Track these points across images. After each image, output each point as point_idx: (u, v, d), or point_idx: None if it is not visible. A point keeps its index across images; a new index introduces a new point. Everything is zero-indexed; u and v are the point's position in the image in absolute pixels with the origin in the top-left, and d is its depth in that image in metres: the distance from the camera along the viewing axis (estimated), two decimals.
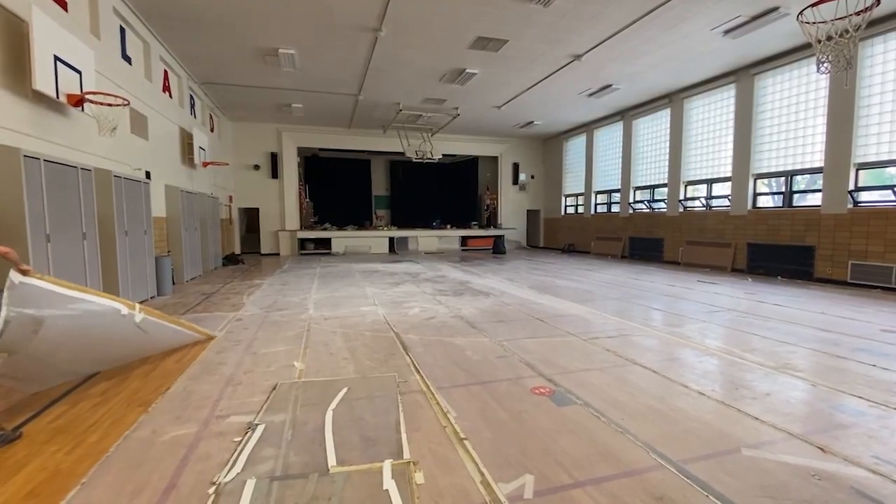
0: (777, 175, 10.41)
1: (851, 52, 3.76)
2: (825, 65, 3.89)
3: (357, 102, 13.65)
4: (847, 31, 3.49)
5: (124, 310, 3.65)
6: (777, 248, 10.14)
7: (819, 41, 3.82)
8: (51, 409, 3.28)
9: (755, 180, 10.84)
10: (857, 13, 3.40)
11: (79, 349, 3.61)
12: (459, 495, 2.19)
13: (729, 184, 11.42)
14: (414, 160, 16.48)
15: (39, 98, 5.16)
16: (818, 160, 9.33)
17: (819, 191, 9.36)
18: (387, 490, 2.22)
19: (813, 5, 3.63)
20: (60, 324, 3.22)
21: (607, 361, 4.27)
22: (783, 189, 10.30)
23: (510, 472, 2.38)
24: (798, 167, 9.83)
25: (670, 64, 10.52)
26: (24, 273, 3.00)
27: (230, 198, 16.08)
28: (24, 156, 4.51)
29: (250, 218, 17.94)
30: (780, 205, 10.37)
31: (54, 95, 5.10)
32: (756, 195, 10.87)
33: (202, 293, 8.39)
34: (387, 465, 2.44)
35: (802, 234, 9.61)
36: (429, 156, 16.23)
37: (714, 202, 12.07)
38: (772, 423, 2.98)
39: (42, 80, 4.87)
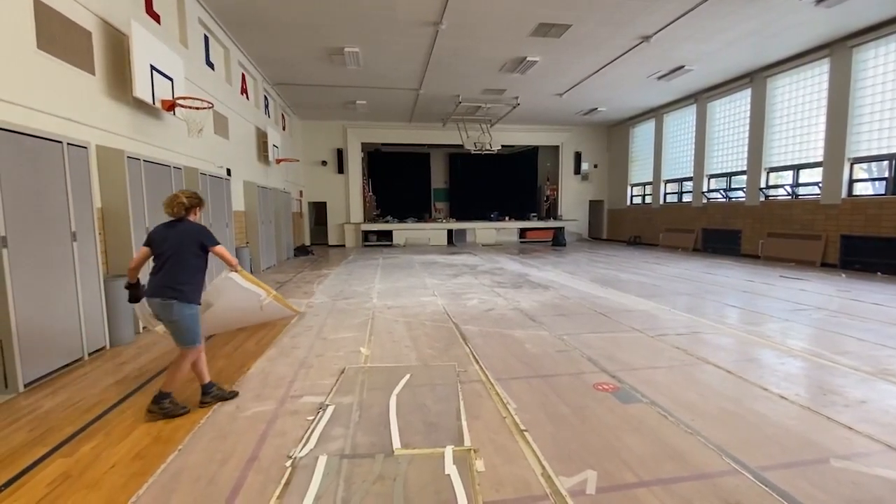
0: (879, 159, 9.28)
1: None
2: None
3: (418, 97, 13.84)
4: None
5: (262, 294, 4.17)
6: (877, 241, 9.07)
7: None
8: (150, 383, 3.69)
9: (852, 165, 9.74)
10: None
11: (225, 318, 4.31)
12: (520, 485, 2.22)
13: (819, 170, 10.35)
14: (473, 152, 16.47)
15: (138, 104, 5.74)
16: None
17: None
18: (448, 475, 2.30)
19: None
20: (224, 303, 3.83)
21: (676, 359, 4.08)
22: (886, 175, 9.18)
23: (572, 467, 2.37)
24: None
25: (752, 40, 9.67)
26: (234, 270, 3.55)
27: (300, 192, 16.97)
28: (128, 157, 5.05)
29: (318, 211, 18.84)
30: (882, 192, 9.25)
31: (151, 101, 5.65)
32: (852, 182, 9.77)
33: (277, 282, 8.97)
34: (448, 451, 2.51)
35: None
36: (487, 147, 16.14)
37: (801, 190, 11.00)
38: (867, 433, 2.72)
39: (141, 87, 5.41)
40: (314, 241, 18.37)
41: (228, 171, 9.10)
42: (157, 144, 6.28)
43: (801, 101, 10.83)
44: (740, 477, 2.27)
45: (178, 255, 3.01)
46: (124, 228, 5.06)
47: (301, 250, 14.65)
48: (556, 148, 19.71)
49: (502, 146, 17.19)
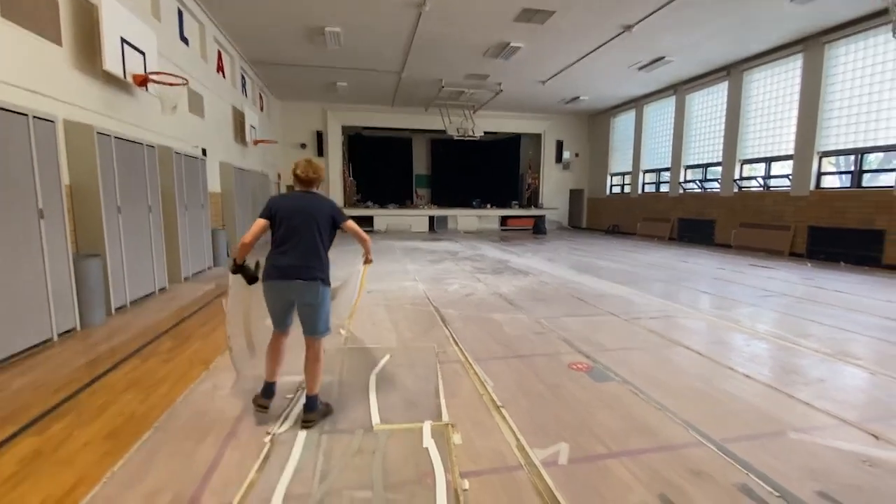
0: (846, 153, 9.63)
1: None
2: None
3: (400, 80, 13.66)
4: None
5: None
6: (842, 232, 9.45)
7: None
8: (126, 362, 3.63)
9: (820, 158, 10.08)
10: None
11: None
12: (495, 457, 2.28)
13: (790, 162, 10.68)
14: (455, 138, 16.40)
15: (108, 78, 5.51)
16: (894, 136, 8.54)
17: (894, 170, 8.60)
18: (426, 448, 2.34)
19: None
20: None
21: (649, 341, 4.21)
22: (852, 168, 9.53)
23: (545, 440, 2.44)
24: (870, 144, 9.04)
25: (731, 33, 9.84)
26: (367, 255, 3.20)
27: (278, 175, 16.65)
28: (98, 133, 4.87)
29: None
30: (848, 185, 9.61)
31: (122, 75, 5.43)
32: (820, 174, 10.12)
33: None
34: (426, 426, 2.56)
35: (872, 217, 8.89)
36: (470, 133, 16.10)
37: (772, 182, 11.34)
38: (823, 408, 2.87)
39: (111, 60, 5.20)
40: None
41: (204, 151, 8.86)
42: (129, 121, 6.06)
43: (774, 94, 11.11)
44: (705, 448, 2.38)
45: (315, 231, 2.64)
46: (94, 206, 4.90)
47: None
48: (539, 136, 19.78)
49: (485, 133, 17.15)
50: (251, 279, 2.77)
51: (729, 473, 2.16)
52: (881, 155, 9.04)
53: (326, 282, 2.70)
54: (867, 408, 2.93)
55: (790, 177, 10.66)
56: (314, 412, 2.62)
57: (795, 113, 10.46)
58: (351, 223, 2.82)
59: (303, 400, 2.89)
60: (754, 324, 4.85)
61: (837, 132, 9.67)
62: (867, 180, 9.31)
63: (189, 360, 3.68)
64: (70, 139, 4.73)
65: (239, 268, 2.75)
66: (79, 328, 4.48)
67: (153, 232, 6.17)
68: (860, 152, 9.31)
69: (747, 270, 8.48)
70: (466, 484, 2.05)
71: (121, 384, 3.19)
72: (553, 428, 2.58)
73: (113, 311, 5.12)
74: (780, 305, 5.69)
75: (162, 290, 6.35)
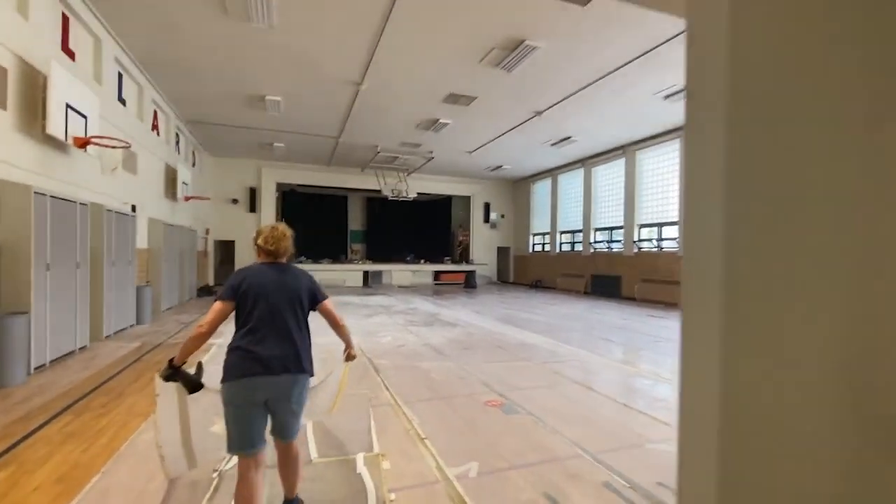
0: None
1: None
2: None
3: (337, 144, 14.46)
4: None
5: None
6: None
7: None
8: (58, 418, 3.67)
9: None
10: None
11: None
12: (418, 476, 2.76)
13: (676, 227, 12.59)
14: (390, 198, 17.28)
15: (47, 139, 5.66)
16: None
17: None
18: (360, 473, 2.77)
19: None
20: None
21: (554, 381, 4.92)
22: None
23: (460, 460, 2.96)
24: None
25: (622, 121, 11.80)
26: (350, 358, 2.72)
27: (207, 230, 16.37)
28: (35, 192, 4.99)
29: (226, 250, 18.16)
30: None
31: (63, 139, 5.63)
32: None
33: (180, 322, 8.68)
34: (360, 457, 2.98)
35: None
36: (404, 195, 17.09)
37: (664, 243, 13.20)
38: (675, 425, 3.65)
39: (54, 125, 5.41)
40: (220, 282, 17.57)
41: (133, 208, 8.84)
42: (64, 179, 6.14)
43: (661, 170, 13.22)
44: (582, 459, 3.02)
45: (298, 311, 2.25)
46: (24, 264, 4.90)
47: (205, 290, 14.07)
48: (468, 198, 21.28)
49: (418, 194, 18.25)
50: (194, 387, 2.14)
51: (597, 475, 2.81)
52: None
53: (312, 373, 2.28)
54: None
55: (678, 240, 12.51)
56: None
57: (677, 186, 12.50)
58: (329, 303, 2.41)
59: None
60: (641, 364, 5.77)
61: None
62: None
63: (126, 413, 3.79)
64: (6, 199, 4.81)
65: (175, 372, 2.06)
66: None
67: (79, 289, 6.10)
68: None
69: (645, 320, 9.73)
70: (393, 496, 2.51)
71: (58, 437, 3.28)
72: (467, 452, 3.11)
73: (32, 370, 4.98)
74: (665, 349, 6.74)
75: (83, 348, 6.17)
